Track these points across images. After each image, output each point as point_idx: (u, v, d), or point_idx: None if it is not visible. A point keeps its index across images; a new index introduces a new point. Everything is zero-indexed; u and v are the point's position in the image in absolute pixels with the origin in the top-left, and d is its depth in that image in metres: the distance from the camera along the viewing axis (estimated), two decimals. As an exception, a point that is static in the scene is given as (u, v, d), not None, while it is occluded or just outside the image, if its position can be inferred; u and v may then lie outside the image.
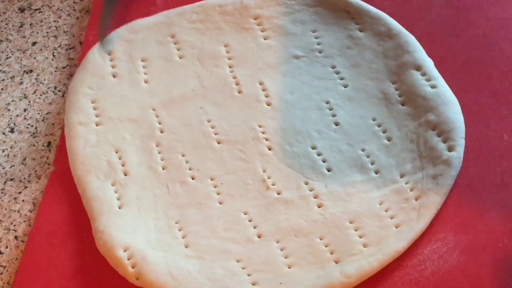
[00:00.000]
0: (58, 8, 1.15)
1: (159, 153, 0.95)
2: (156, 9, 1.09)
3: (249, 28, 1.05)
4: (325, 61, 1.01)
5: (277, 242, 0.88)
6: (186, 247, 0.88)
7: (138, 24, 1.06)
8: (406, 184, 0.90)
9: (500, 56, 1.00)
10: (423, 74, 0.97)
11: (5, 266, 0.92)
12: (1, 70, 1.09)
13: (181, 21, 1.06)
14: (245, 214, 0.90)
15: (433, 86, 0.96)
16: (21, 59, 1.10)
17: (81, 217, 0.92)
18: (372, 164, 0.92)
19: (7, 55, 1.11)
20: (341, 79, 0.99)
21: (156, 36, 1.05)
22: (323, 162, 0.93)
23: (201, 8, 1.07)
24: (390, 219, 0.88)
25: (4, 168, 1.00)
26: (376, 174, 0.92)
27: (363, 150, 0.94)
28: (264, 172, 0.93)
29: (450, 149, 0.91)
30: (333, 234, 0.88)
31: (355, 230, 0.88)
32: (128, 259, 0.86)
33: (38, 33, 1.13)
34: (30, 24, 1.14)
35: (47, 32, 1.13)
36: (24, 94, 1.07)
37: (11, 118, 1.04)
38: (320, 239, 0.88)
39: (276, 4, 1.06)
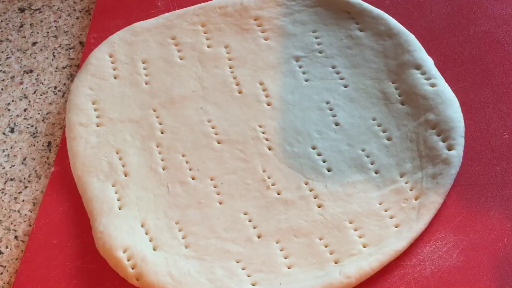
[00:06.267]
0: (58, 8, 1.16)
1: (159, 153, 0.95)
2: (157, 12, 1.10)
3: (250, 29, 1.05)
4: (325, 61, 1.01)
5: (277, 243, 0.88)
6: (186, 248, 0.88)
7: (139, 26, 1.07)
8: (405, 183, 0.90)
9: (501, 54, 1.00)
10: (423, 73, 0.97)
11: (5, 266, 0.92)
12: (1, 70, 1.10)
13: (182, 23, 1.06)
14: (245, 214, 0.90)
15: (432, 85, 0.95)
16: (21, 59, 1.10)
17: (81, 217, 0.92)
18: (372, 164, 0.92)
19: (7, 55, 1.11)
20: (341, 79, 0.99)
21: (157, 38, 1.05)
22: (323, 162, 0.93)
23: (202, 10, 1.07)
24: (390, 219, 0.88)
25: (4, 168, 1.00)
26: (376, 174, 0.91)
27: (363, 150, 0.93)
28: (264, 172, 0.93)
29: (450, 148, 0.91)
30: (333, 234, 0.88)
31: (355, 230, 0.88)
32: (128, 260, 0.86)
33: (38, 33, 1.13)
34: (30, 24, 1.14)
35: (47, 32, 1.13)
36: (24, 94, 1.07)
37: (11, 118, 1.04)
38: (320, 239, 0.88)
39: (276, 5, 1.06)
